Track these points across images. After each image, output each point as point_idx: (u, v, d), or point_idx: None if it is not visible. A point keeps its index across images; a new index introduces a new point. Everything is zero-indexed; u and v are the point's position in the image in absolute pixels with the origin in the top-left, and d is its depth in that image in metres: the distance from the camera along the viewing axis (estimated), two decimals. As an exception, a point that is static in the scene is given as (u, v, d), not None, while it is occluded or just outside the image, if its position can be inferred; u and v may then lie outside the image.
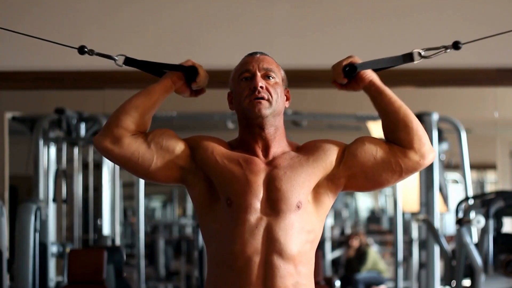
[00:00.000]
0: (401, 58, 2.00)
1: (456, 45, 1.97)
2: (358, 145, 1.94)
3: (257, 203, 1.86)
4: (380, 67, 1.99)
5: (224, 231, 1.87)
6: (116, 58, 2.00)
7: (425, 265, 5.45)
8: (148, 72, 2.02)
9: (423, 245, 5.81)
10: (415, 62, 1.99)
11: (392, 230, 6.19)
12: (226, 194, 1.88)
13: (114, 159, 1.93)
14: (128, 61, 2.00)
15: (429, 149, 1.92)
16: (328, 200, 1.94)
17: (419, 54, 1.99)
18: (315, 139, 1.98)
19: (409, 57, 1.99)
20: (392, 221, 6.10)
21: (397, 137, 1.92)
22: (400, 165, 1.92)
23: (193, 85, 1.98)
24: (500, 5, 4.52)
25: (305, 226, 1.87)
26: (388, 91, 1.94)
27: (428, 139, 1.93)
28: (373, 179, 1.93)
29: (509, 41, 4.41)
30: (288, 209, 1.86)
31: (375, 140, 1.96)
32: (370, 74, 1.95)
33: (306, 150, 1.95)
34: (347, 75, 1.95)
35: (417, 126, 1.92)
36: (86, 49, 1.99)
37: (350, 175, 1.93)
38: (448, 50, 1.98)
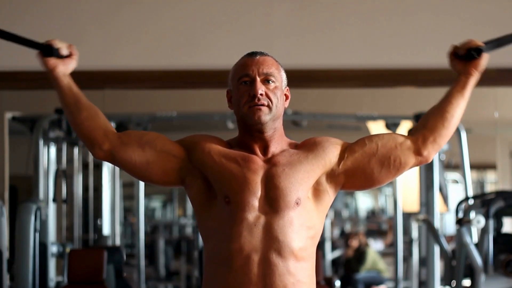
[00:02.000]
0: None
1: None
2: (359, 145, 1.95)
3: (255, 201, 1.86)
4: (499, 46, 2.00)
5: (222, 229, 1.87)
6: None
7: (425, 265, 5.46)
8: (20, 44, 2.01)
9: (423, 245, 5.81)
10: None
11: (392, 230, 6.18)
12: (224, 192, 1.88)
13: (116, 162, 1.96)
14: None
15: (432, 151, 1.95)
16: (328, 197, 1.94)
17: None
18: (314, 137, 1.98)
19: None
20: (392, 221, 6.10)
21: (428, 120, 1.96)
22: (399, 159, 1.93)
23: (61, 53, 1.97)
24: (500, 4, 4.52)
25: (304, 223, 1.87)
26: (468, 93, 1.99)
27: (439, 147, 1.96)
28: (372, 177, 1.94)
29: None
30: (287, 206, 1.86)
31: (376, 137, 1.96)
32: (476, 73, 1.98)
33: (305, 147, 1.95)
34: (469, 54, 1.96)
35: (446, 131, 1.95)
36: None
37: (350, 174, 1.94)
38: None
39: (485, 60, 1.98)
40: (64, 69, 1.98)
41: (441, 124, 1.95)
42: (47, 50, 1.96)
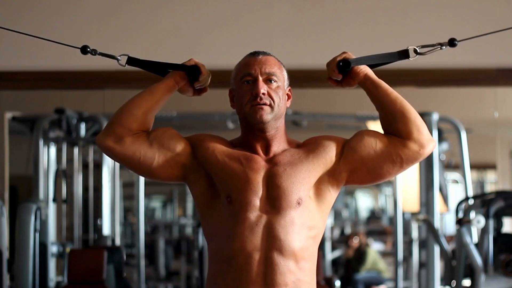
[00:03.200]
0: (396, 54, 1.99)
1: (452, 42, 1.96)
2: (358, 139, 1.95)
3: (256, 201, 1.87)
4: (374, 62, 1.98)
5: (224, 228, 1.88)
6: (119, 58, 2.00)
7: (425, 265, 5.45)
8: (151, 71, 2.02)
9: (423, 245, 5.81)
10: (411, 59, 1.99)
11: (392, 230, 6.18)
12: (226, 191, 1.88)
13: (116, 157, 1.94)
14: (131, 60, 2.01)
15: (428, 139, 1.93)
16: (330, 196, 1.94)
17: (415, 50, 1.99)
18: (315, 136, 1.98)
19: (404, 53, 1.99)
20: (392, 221, 6.10)
21: (396, 129, 1.93)
22: (400, 156, 1.92)
23: (196, 84, 1.98)
24: (498, 4, 4.52)
25: (306, 222, 1.88)
26: (383, 83, 1.95)
27: (426, 129, 1.94)
28: (374, 171, 1.94)
29: (509, 41, 4.41)
30: (288, 206, 1.86)
31: (374, 133, 1.96)
32: (364, 69, 1.95)
33: (306, 146, 1.95)
34: (341, 70, 1.95)
35: (414, 116, 1.92)
36: (89, 49, 2.00)
37: (351, 169, 1.94)
38: (444, 47, 1.97)
39: (363, 66, 1.95)
40: (181, 89, 1.98)
41: (405, 119, 1.92)
42: (192, 72, 1.96)
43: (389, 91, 1.94)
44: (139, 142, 1.92)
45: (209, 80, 2.00)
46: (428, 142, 1.93)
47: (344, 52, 1.96)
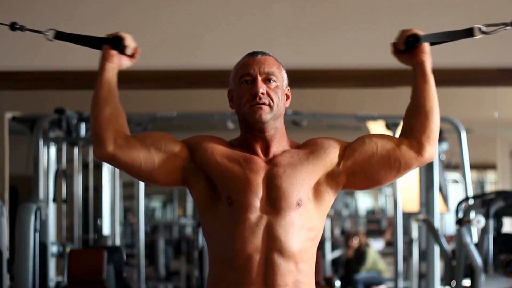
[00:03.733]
0: (462, 32, 2.02)
1: None
2: (359, 144, 1.95)
3: (257, 202, 1.87)
4: (441, 40, 2.02)
5: (224, 229, 1.88)
6: (46, 32, 2.03)
7: (425, 265, 5.46)
8: (81, 44, 2.04)
9: (423, 245, 5.82)
10: (476, 37, 2.00)
11: (392, 230, 6.19)
12: (226, 193, 1.88)
13: (118, 166, 1.95)
14: (59, 35, 2.03)
15: (431, 148, 1.94)
16: (329, 198, 1.95)
17: (479, 29, 2.00)
18: (315, 137, 1.99)
19: (469, 32, 2.01)
20: (392, 221, 6.10)
21: (412, 124, 1.94)
22: (399, 161, 1.93)
23: (126, 50, 1.99)
24: (499, 4, 4.52)
25: (305, 224, 1.88)
26: (431, 79, 1.96)
27: (435, 142, 1.95)
28: (372, 177, 1.94)
29: (509, 41, 4.42)
30: (288, 207, 1.86)
31: (375, 137, 1.97)
32: (426, 56, 1.97)
33: (306, 148, 1.95)
34: (409, 44, 1.97)
35: (434, 124, 1.94)
36: (17, 25, 2.03)
37: (350, 173, 1.94)
38: (508, 27, 1.99)
39: (428, 46, 1.98)
40: (117, 63, 1.99)
41: (426, 120, 1.94)
42: (115, 43, 1.98)
43: (431, 89, 1.95)
44: (137, 150, 1.92)
45: (133, 41, 2.02)
46: (429, 153, 1.94)
47: (414, 29, 1.98)
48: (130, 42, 2.00)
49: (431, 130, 1.93)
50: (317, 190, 1.93)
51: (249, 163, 1.90)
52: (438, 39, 2.01)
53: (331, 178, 1.94)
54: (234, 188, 1.87)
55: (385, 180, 1.95)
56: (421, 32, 1.98)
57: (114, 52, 1.98)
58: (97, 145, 1.93)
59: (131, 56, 2.01)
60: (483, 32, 2.00)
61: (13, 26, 2.03)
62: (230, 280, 1.86)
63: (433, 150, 1.94)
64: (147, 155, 1.92)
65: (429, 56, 1.98)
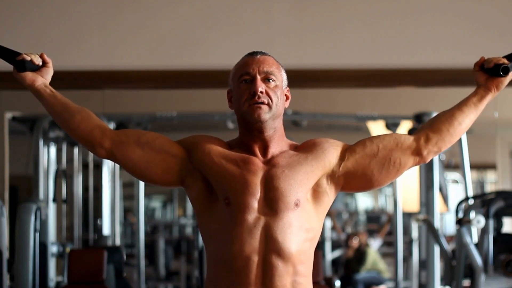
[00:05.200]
0: None
1: None
2: (360, 146, 1.95)
3: (254, 203, 1.86)
4: None
5: (222, 230, 1.87)
6: None
7: (425, 265, 5.45)
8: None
9: (423, 245, 5.81)
10: None
11: (392, 230, 6.19)
12: (224, 193, 1.88)
13: (118, 162, 1.97)
14: None
15: (433, 154, 1.97)
16: (327, 199, 1.94)
17: None
18: (314, 138, 1.98)
19: None
20: (392, 221, 6.10)
21: (435, 123, 1.96)
22: (399, 160, 1.94)
23: (35, 63, 1.96)
24: (499, 4, 4.52)
25: (303, 225, 1.88)
26: (482, 107, 1.99)
27: (440, 152, 1.97)
28: (372, 179, 1.94)
29: (509, 41, 4.41)
30: (286, 207, 1.86)
31: (376, 139, 1.97)
32: (497, 91, 1.99)
33: (305, 148, 1.95)
34: (495, 70, 1.94)
35: (451, 139, 1.96)
36: None
37: (350, 175, 1.94)
38: None
39: (508, 80, 1.97)
40: (42, 80, 1.98)
41: (446, 129, 1.95)
42: (20, 66, 1.93)
43: (475, 116, 1.98)
44: (131, 149, 1.93)
45: (35, 54, 1.97)
46: (429, 156, 1.96)
47: (505, 58, 1.96)
48: (31, 55, 1.96)
49: (443, 140, 1.95)
50: (315, 191, 1.92)
51: (247, 163, 1.89)
52: None
53: (330, 179, 1.93)
54: (231, 189, 1.87)
55: (385, 181, 1.96)
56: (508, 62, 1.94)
57: (29, 74, 1.95)
58: (93, 147, 1.95)
59: (44, 65, 1.98)
60: None
61: None
62: (228, 282, 1.85)
63: (431, 154, 1.96)
64: (140, 154, 1.92)
65: (498, 92, 1.98)
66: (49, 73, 2.00)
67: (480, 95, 1.98)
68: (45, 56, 1.99)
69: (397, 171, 1.95)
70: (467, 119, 1.96)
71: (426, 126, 1.98)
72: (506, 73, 1.93)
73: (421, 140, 1.95)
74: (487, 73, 1.97)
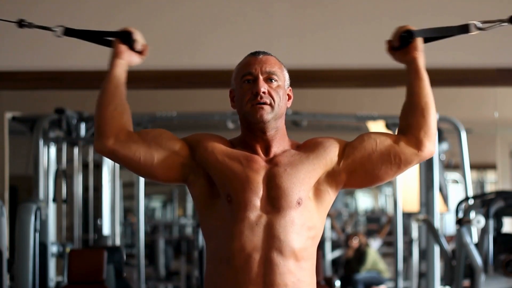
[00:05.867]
0: (457, 28, 2.02)
1: (511, 20, 1.98)
2: (359, 141, 1.96)
3: (256, 201, 1.87)
4: (436, 35, 2.02)
5: (224, 228, 1.87)
6: (55, 29, 2.02)
7: (425, 265, 5.45)
8: (90, 41, 2.04)
9: (423, 245, 5.82)
10: (471, 34, 1.99)
11: (392, 230, 6.19)
12: (226, 191, 1.88)
13: (117, 160, 1.95)
14: (68, 31, 2.02)
15: (430, 144, 1.94)
16: (329, 197, 1.95)
17: (475, 26, 2.00)
18: (315, 137, 1.99)
19: (465, 28, 2.01)
20: (392, 221, 6.10)
21: (409, 121, 1.95)
22: (399, 157, 1.93)
23: (135, 46, 1.99)
24: (498, 4, 4.52)
25: (306, 223, 1.88)
26: (424, 76, 1.97)
27: (434, 137, 1.96)
28: (373, 173, 1.94)
29: (508, 41, 4.42)
30: (288, 206, 1.86)
31: (374, 134, 1.97)
32: (419, 53, 1.98)
33: (307, 147, 1.95)
34: (403, 40, 1.98)
35: (431, 119, 1.94)
36: (24, 23, 2.01)
37: (351, 171, 1.94)
38: (504, 24, 1.99)
39: (421, 43, 1.98)
40: (127, 59, 2.00)
41: (422, 117, 1.94)
42: (125, 37, 1.98)
43: (425, 85, 1.97)
44: (137, 145, 1.92)
45: (142, 37, 2.01)
46: (428, 148, 1.94)
47: (408, 26, 1.99)
48: (139, 37, 2.00)
49: (428, 126, 1.94)
50: (317, 189, 1.93)
51: (250, 161, 1.90)
52: (432, 34, 2.00)
53: (332, 177, 1.94)
54: (233, 187, 1.87)
55: (386, 177, 1.95)
56: (415, 28, 1.98)
57: (123, 48, 1.98)
58: (98, 138, 1.94)
59: (141, 52, 2.02)
60: (479, 29, 2.00)
61: (20, 23, 2.01)
62: (229, 279, 1.85)
63: (432, 146, 1.95)
64: (146, 150, 1.92)
65: (422, 53, 1.99)
66: (136, 60, 2.02)
67: (414, 69, 1.98)
68: (147, 49, 2.02)
69: (398, 167, 1.94)
70: (426, 94, 1.95)
71: (404, 128, 1.96)
72: (411, 36, 1.96)
73: (412, 141, 1.93)
74: (400, 48, 1.99)
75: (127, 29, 1.99)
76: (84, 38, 2.04)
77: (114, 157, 1.95)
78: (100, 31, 2.02)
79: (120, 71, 1.97)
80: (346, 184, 1.95)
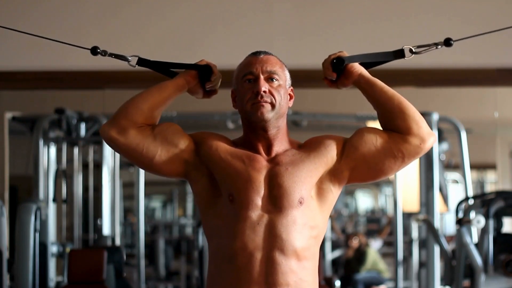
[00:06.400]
0: (391, 54, 1.99)
1: (447, 42, 1.96)
2: (358, 137, 1.95)
3: (258, 200, 1.87)
4: (369, 61, 1.98)
5: (225, 227, 1.88)
6: (129, 58, 2.01)
7: (425, 265, 5.45)
8: (161, 72, 2.03)
9: (423, 245, 5.81)
10: (406, 58, 1.99)
11: (392, 230, 6.19)
12: (228, 190, 1.89)
13: (118, 148, 1.94)
14: (142, 61, 2.01)
15: (428, 132, 1.93)
16: (332, 196, 1.94)
17: (410, 50, 1.98)
18: (316, 136, 1.99)
19: (400, 53, 1.99)
20: (392, 221, 6.10)
21: (395, 125, 1.93)
22: (401, 151, 1.92)
23: (207, 85, 1.98)
24: (498, 4, 4.52)
25: (308, 222, 1.88)
26: (378, 81, 1.95)
27: (425, 123, 1.94)
28: (376, 167, 1.93)
29: (508, 41, 4.41)
30: (290, 205, 1.86)
31: (374, 130, 1.97)
32: (358, 68, 1.96)
33: (308, 146, 1.96)
34: (336, 69, 1.94)
35: (413, 111, 1.93)
36: (99, 50, 1.99)
37: (353, 167, 1.94)
38: (440, 47, 1.97)
39: (357, 65, 1.95)
40: (191, 88, 1.98)
41: (403, 116, 1.91)
42: (205, 70, 1.96)
43: (385, 88, 1.94)
44: (143, 135, 1.92)
45: (219, 81, 2.00)
46: (428, 136, 1.93)
47: (339, 52, 1.97)
48: (216, 80, 1.98)
49: (415, 119, 1.92)
50: (319, 188, 1.93)
51: (252, 161, 1.90)
52: (365, 59, 1.96)
53: (333, 174, 1.94)
54: (235, 186, 1.88)
55: (390, 171, 1.94)
56: (345, 54, 1.94)
57: (196, 80, 1.97)
58: (108, 123, 1.93)
59: (208, 93, 2.00)
60: (414, 53, 1.97)
61: (95, 51, 1.98)
62: (230, 278, 1.85)
63: (430, 134, 1.93)
64: (151, 142, 1.92)
65: (360, 67, 1.95)
66: (198, 95, 2.01)
67: (363, 83, 1.95)
68: (214, 93, 2.02)
69: (402, 160, 1.92)
70: (388, 95, 1.92)
71: (397, 133, 1.93)
72: (342, 62, 1.92)
73: (409, 139, 1.92)
74: (339, 74, 1.96)
75: (209, 65, 1.97)
76: (158, 70, 2.01)
77: (114, 146, 1.94)
78: (178, 63, 1.99)
79: (175, 91, 1.97)
80: (349, 179, 1.95)
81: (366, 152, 1.93)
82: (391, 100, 1.93)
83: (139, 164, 1.96)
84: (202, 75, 1.97)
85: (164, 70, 2.02)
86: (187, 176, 1.96)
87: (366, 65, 1.98)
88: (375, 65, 2.00)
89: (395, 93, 1.94)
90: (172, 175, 1.96)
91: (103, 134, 1.93)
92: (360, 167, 1.94)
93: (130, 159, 1.95)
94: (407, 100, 1.94)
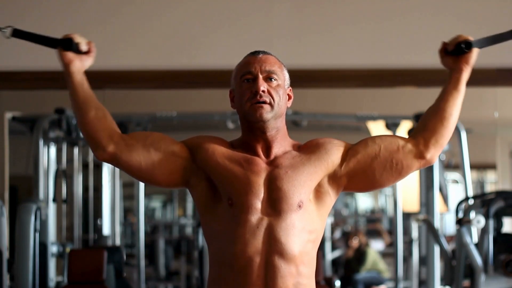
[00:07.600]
0: (508, 34, 2.02)
1: None
2: (362, 146, 1.95)
3: (258, 203, 1.86)
4: (492, 44, 2.01)
5: (225, 231, 1.87)
6: (4, 30, 2.00)
7: (425, 265, 5.45)
8: (38, 43, 2.01)
9: (423, 245, 5.81)
10: None
11: (392, 230, 6.19)
12: (227, 194, 1.87)
13: (119, 165, 1.93)
14: (16, 32, 2.00)
15: (435, 152, 1.94)
16: (330, 200, 1.94)
17: None
18: (317, 138, 1.98)
19: None
20: (392, 221, 6.10)
21: (427, 122, 1.95)
22: (401, 163, 1.93)
23: (80, 48, 1.95)
24: (498, 4, 4.52)
25: (306, 226, 1.87)
26: (462, 89, 1.96)
27: (441, 147, 1.95)
28: (374, 179, 1.94)
29: (509, 41, 4.41)
30: (289, 208, 1.86)
31: (379, 139, 1.96)
32: (468, 67, 1.97)
33: (308, 149, 1.94)
34: (459, 49, 1.95)
35: (446, 131, 1.94)
36: None
37: (352, 175, 1.93)
38: None
39: (475, 55, 1.97)
40: (80, 65, 1.95)
41: (440, 124, 1.94)
42: (67, 44, 1.95)
43: (459, 98, 1.95)
44: (136, 151, 1.91)
45: (82, 38, 1.99)
46: (432, 154, 1.94)
47: (468, 37, 1.97)
48: (80, 39, 1.96)
49: (441, 135, 1.94)
50: (318, 192, 1.92)
51: (250, 164, 1.89)
52: (487, 44, 2.00)
53: (333, 179, 1.93)
54: (234, 190, 1.86)
55: (387, 183, 1.95)
56: (472, 39, 1.96)
57: (71, 55, 1.94)
58: (95, 148, 1.92)
59: (88, 52, 1.97)
60: None
61: None
62: (230, 282, 1.85)
63: (436, 154, 1.94)
64: (146, 156, 1.91)
65: (470, 68, 1.97)
66: (88, 61, 1.97)
67: (456, 78, 1.96)
68: (92, 45, 1.98)
69: (399, 173, 1.95)
70: (455, 106, 1.95)
71: (420, 128, 1.96)
72: (469, 47, 1.95)
73: (420, 144, 1.94)
74: (453, 54, 1.97)
75: (67, 36, 1.95)
76: (31, 41, 2.00)
77: (115, 163, 1.93)
78: (46, 36, 1.98)
79: (79, 78, 1.94)
80: (346, 187, 1.95)
81: (367, 162, 1.93)
82: (450, 107, 1.94)
83: (138, 178, 1.94)
84: (68, 46, 1.95)
85: (38, 42, 2.00)
86: (186, 185, 1.94)
87: (486, 44, 2.00)
88: (491, 44, 2.03)
89: (457, 110, 1.95)
90: (172, 185, 1.95)
91: (101, 160, 1.93)
92: (358, 176, 1.93)
93: (130, 173, 1.94)
94: (455, 123, 1.96)
